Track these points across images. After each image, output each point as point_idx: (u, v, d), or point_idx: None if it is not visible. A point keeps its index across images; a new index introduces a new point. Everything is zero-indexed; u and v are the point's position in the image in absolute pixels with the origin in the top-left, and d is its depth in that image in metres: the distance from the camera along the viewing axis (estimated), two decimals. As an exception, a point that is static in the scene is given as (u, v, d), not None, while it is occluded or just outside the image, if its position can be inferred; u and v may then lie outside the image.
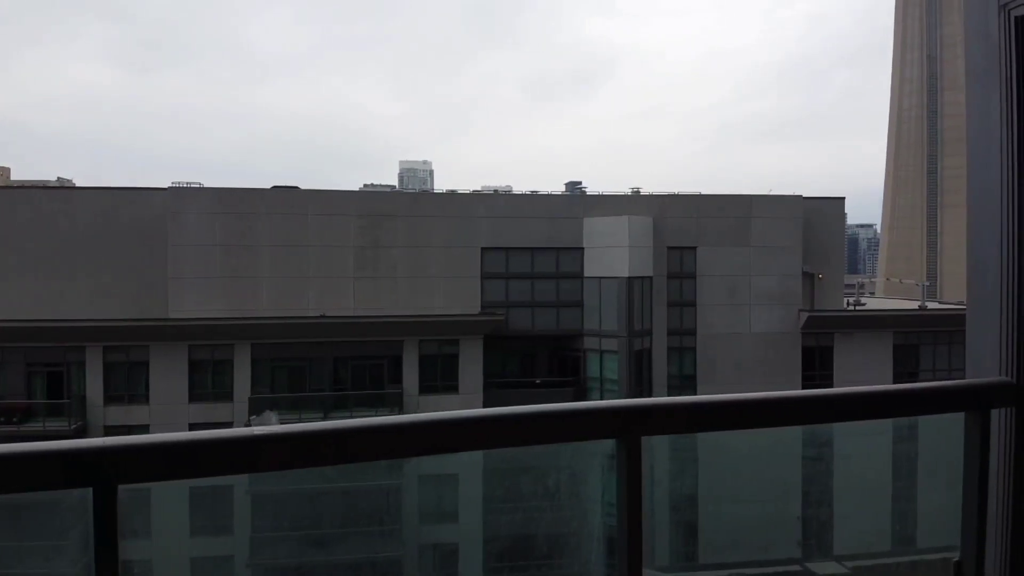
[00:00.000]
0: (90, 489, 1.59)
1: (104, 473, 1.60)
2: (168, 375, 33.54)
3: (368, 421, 1.81)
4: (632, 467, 1.96)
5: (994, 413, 2.28)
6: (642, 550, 1.96)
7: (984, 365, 2.30)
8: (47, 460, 1.59)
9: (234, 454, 1.71)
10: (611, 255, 36.28)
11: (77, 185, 41.30)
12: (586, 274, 37.11)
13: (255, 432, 1.70)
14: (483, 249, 36.84)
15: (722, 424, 2.18)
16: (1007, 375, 2.26)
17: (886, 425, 2.75)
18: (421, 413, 1.96)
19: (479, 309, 36.69)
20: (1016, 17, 2.12)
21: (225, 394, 34.09)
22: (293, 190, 39.15)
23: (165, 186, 37.25)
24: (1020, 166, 2.17)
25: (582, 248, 37.18)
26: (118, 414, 32.81)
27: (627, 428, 1.99)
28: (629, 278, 35.97)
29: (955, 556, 2.27)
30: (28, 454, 1.58)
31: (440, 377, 35.61)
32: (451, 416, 1.89)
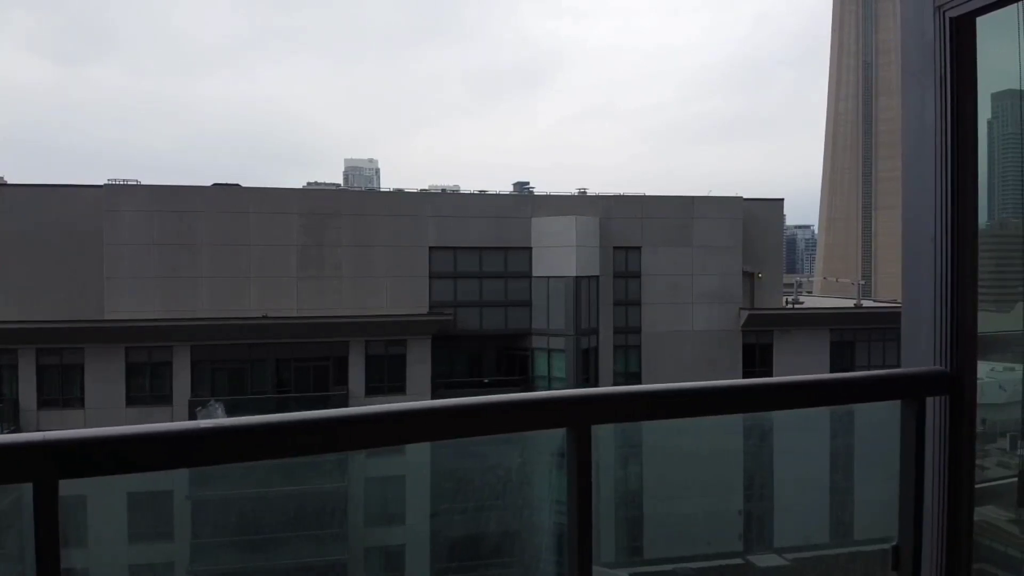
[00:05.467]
0: (30, 485, 1.52)
1: (44, 468, 1.53)
2: (104, 378, 32.55)
3: (315, 414, 1.78)
4: (582, 456, 1.96)
5: (929, 401, 2.35)
6: (591, 542, 1.97)
7: (919, 355, 2.37)
8: None
9: (179, 447, 1.66)
10: (559, 255, 36.51)
11: (7, 182, 39.85)
12: (534, 274, 37.27)
13: (201, 425, 1.65)
14: (431, 248, 36.67)
15: (669, 412, 2.21)
16: (941, 365, 2.33)
17: (825, 418, 2.82)
18: (370, 405, 1.92)
19: (427, 309, 36.50)
20: (951, 18, 2.20)
21: (164, 398, 33.24)
22: (234, 188, 38.37)
23: (100, 183, 36.12)
24: (954, 162, 2.25)
25: (530, 248, 37.32)
26: (52, 419, 31.70)
27: (577, 417, 1.99)
28: (576, 277, 36.25)
29: (893, 541, 2.34)
30: None
31: (387, 378, 35.31)
32: (403, 408, 1.85)
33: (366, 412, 1.84)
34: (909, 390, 2.36)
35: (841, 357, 39.38)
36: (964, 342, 2.30)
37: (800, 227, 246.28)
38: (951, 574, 2.30)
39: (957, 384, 2.32)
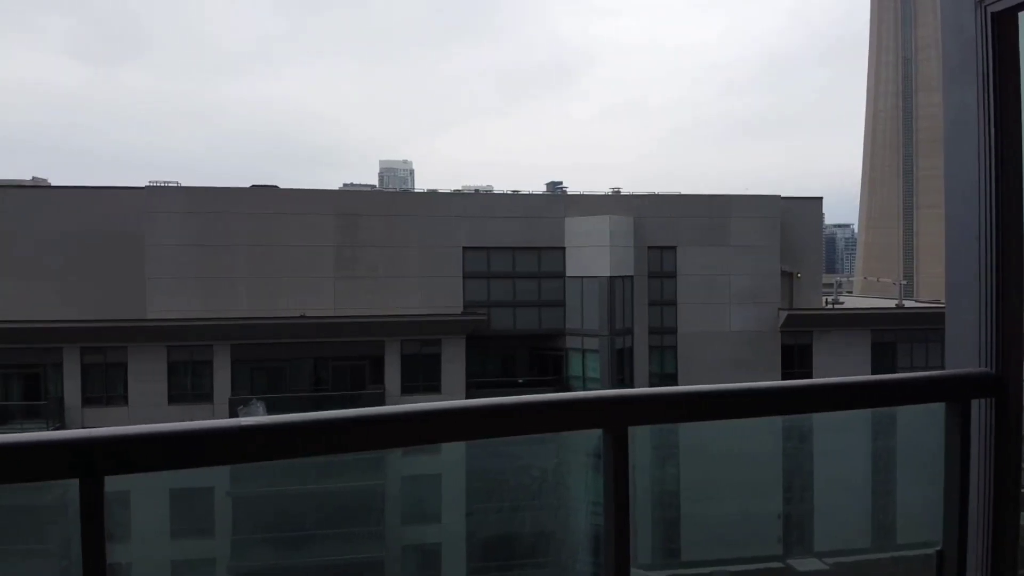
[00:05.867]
0: (76, 481, 1.55)
1: (91, 464, 1.56)
2: (147, 376, 33.20)
3: (353, 412, 1.80)
4: (619, 458, 1.95)
5: (974, 404, 2.30)
6: (630, 545, 1.96)
7: (964, 356, 2.33)
8: (32, 451, 1.56)
9: (221, 444, 1.70)
10: (592, 255, 36.41)
11: (52, 184, 40.84)
12: (568, 273, 37.21)
13: (243, 422, 1.68)
14: (464, 249, 36.80)
15: (708, 414, 2.18)
16: (987, 366, 2.29)
17: (867, 420, 2.78)
18: (406, 404, 1.94)
19: (461, 309, 36.64)
20: (992, 13, 2.17)
21: (205, 395, 33.80)
22: (271, 189, 38.90)
23: (141, 185, 36.88)
24: (996, 160, 2.22)
25: (563, 248, 37.27)
26: (96, 416, 32.43)
27: (614, 418, 1.98)
28: (610, 277, 36.11)
29: (937, 546, 2.30)
30: (13, 445, 1.55)
31: (422, 377, 35.52)
32: (437, 407, 1.87)
33: (402, 411, 1.85)
34: (953, 392, 2.32)
35: (883, 358, 38.71)
36: (1010, 343, 2.25)
37: (839, 226, 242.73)
38: None
39: (1003, 386, 2.27)
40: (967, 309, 2.28)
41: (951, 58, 2.29)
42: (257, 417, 1.74)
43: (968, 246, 2.26)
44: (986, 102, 2.19)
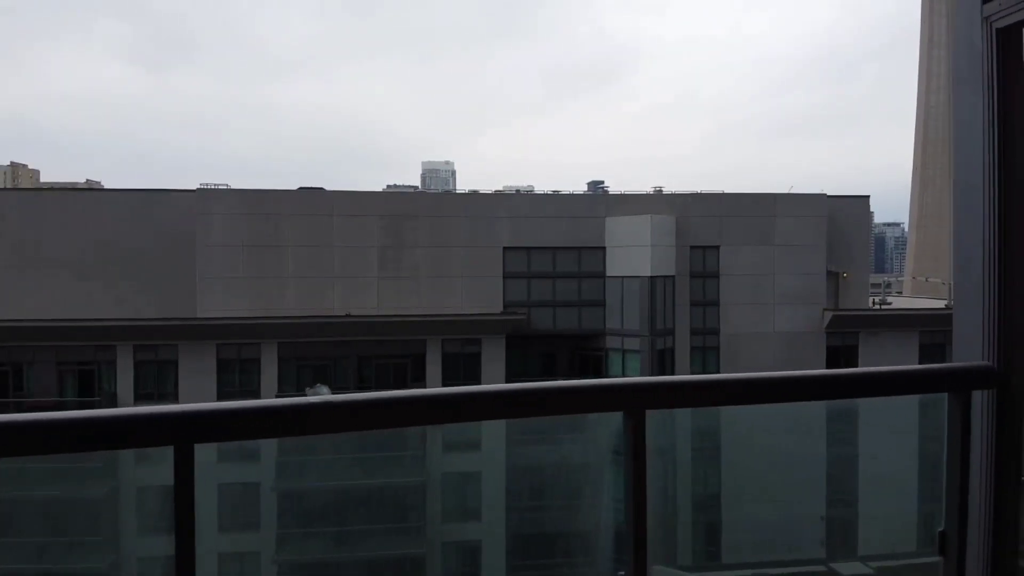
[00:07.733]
0: (171, 448, 1.82)
1: (183, 434, 1.83)
2: (196, 374, 34.05)
3: (405, 393, 2.08)
4: (637, 440, 2.13)
5: (976, 395, 2.45)
6: (647, 529, 2.14)
7: (968, 351, 2.47)
8: (135, 422, 1.85)
9: (288, 418, 1.96)
10: (633, 254, 36.30)
11: (105, 187, 42.10)
12: (608, 273, 37.16)
13: (310, 400, 1.99)
14: (505, 249, 37.01)
15: (724, 400, 2.36)
16: (988, 360, 2.43)
17: (880, 414, 2.88)
18: (449, 388, 2.22)
19: (501, 308, 36.86)
20: (998, 29, 2.31)
21: (252, 392, 34.50)
22: (318, 191, 39.60)
23: (193, 187, 37.85)
24: (1001, 167, 2.35)
25: (604, 248, 37.24)
26: (147, 412, 33.29)
27: (632, 401, 2.16)
28: (651, 277, 35.97)
29: (940, 527, 2.44)
30: (119, 417, 1.85)
31: (463, 376, 35.80)
32: (472, 390, 2.16)
33: (448, 393, 2.12)
34: (955, 384, 2.47)
35: (931, 360, 37.89)
36: (1011, 339, 2.39)
37: (889, 225, 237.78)
38: (996, 561, 2.40)
39: (1004, 379, 2.41)
40: (972, 307, 2.42)
41: (960, 69, 2.44)
42: (323, 396, 2.07)
43: (974, 251, 2.39)
44: (991, 109, 2.34)
